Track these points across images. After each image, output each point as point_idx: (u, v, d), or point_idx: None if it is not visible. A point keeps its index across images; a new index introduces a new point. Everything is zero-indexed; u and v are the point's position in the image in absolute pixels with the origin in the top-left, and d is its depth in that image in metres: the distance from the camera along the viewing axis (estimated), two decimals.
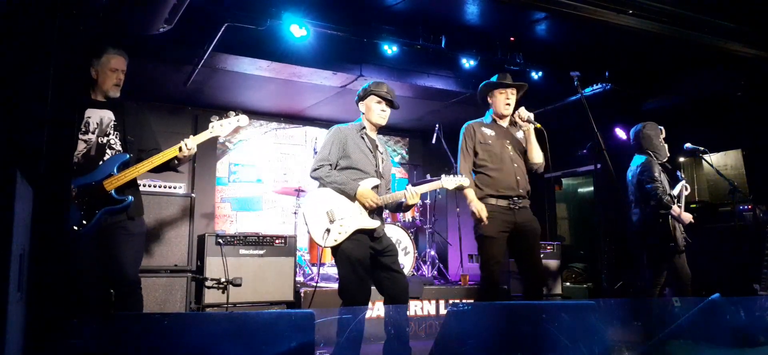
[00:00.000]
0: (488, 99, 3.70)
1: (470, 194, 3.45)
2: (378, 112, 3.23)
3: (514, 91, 3.67)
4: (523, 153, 3.62)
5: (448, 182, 3.26)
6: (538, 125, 3.56)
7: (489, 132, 3.60)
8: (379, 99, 3.23)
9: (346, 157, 3.15)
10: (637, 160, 4.33)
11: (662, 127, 4.33)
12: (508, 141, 3.60)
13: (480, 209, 3.39)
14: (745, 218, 5.07)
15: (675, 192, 4.14)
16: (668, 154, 4.31)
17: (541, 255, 3.56)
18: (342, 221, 3.03)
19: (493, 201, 3.44)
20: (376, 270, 3.11)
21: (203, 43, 4.75)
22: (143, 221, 3.04)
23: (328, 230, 3.01)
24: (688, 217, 4.11)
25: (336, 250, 3.04)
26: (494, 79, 3.67)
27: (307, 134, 7.31)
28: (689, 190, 4.20)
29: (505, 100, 3.61)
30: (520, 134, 3.67)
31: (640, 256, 4.28)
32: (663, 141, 4.30)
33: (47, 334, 1.61)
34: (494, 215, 3.41)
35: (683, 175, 4.29)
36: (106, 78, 2.93)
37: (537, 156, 3.57)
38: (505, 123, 3.68)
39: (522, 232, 3.44)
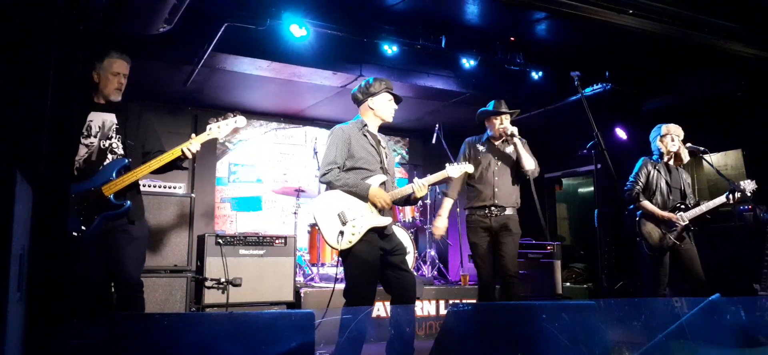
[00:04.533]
0: (485, 122, 4.13)
1: (446, 205, 4.02)
2: (391, 108, 3.30)
3: (508, 116, 4.03)
4: (512, 168, 3.99)
5: (453, 170, 3.31)
6: (515, 135, 3.91)
7: (481, 149, 4.07)
8: (391, 96, 3.28)
9: (351, 158, 3.15)
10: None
11: (667, 126, 4.32)
12: (496, 157, 4.01)
13: (438, 227, 4.03)
14: (745, 218, 5.07)
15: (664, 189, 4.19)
16: (669, 154, 4.30)
17: (513, 249, 3.86)
18: (354, 221, 3.03)
19: (473, 209, 3.98)
20: (384, 269, 3.11)
21: (203, 43, 4.75)
22: (145, 224, 3.04)
23: (341, 232, 3.00)
24: (665, 214, 4.11)
25: (347, 252, 3.03)
26: (490, 106, 4.03)
27: (307, 134, 7.31)
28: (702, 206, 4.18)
29: (498, 124, 4.01)
30: (510, 149, 4.01)
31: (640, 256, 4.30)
32: (666, 141, 4.30)
33: (47, 334, 1.61)
34: (474, 221, 3.96)
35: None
36: (107, 82, 2.93)
37: (527, 164, 3.92)
38: (498, 142, 4.07)
39: (498, 235, 3.89)
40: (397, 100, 3.32)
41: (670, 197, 4.21)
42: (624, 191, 4.30)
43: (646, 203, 4.19)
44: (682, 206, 4.16)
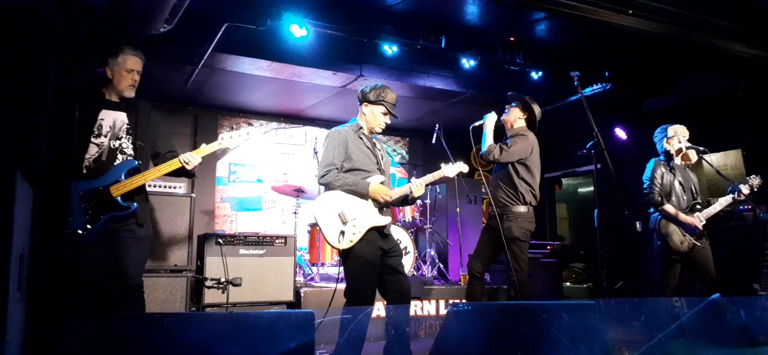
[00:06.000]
0: None
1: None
2: (382, 121, 3.27)
3: (509, 106, 4.17)
4: (500, 167, 4.02)
5: (449, 170, 3.33)
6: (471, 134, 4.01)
7: None
8: (386, 112, 3.25)
9: (348, 160, 3.16)
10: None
11: (674, 128, 4.30)
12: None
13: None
14: (745, 218, 5.06)
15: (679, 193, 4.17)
16: (677, 154, 4.27)
17: (511, 256, 3.82)
18: (355, 221, 3.04)
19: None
20: (380, 269, 3.12)
21: (203, 43, 4.75)
22: (149, 227, 3.05)
23: (342, 232, 3.02)
24: (687, 218, 4.09)
25: (348, 251, 3.04)
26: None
27: (307, 134, 7.31)
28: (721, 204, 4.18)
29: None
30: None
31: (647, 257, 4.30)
32: (673, 142, 4.28)
33: (47, 334, 1.61)
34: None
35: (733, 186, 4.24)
36: (121, 78, 2.94)
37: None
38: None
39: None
40: (393, 116, 3.29)
41: (684, 198, 4.20)
42: (643, 195, 4.23)
43: (669, 207, 4.12)
44: (698, 206, 4.16)
